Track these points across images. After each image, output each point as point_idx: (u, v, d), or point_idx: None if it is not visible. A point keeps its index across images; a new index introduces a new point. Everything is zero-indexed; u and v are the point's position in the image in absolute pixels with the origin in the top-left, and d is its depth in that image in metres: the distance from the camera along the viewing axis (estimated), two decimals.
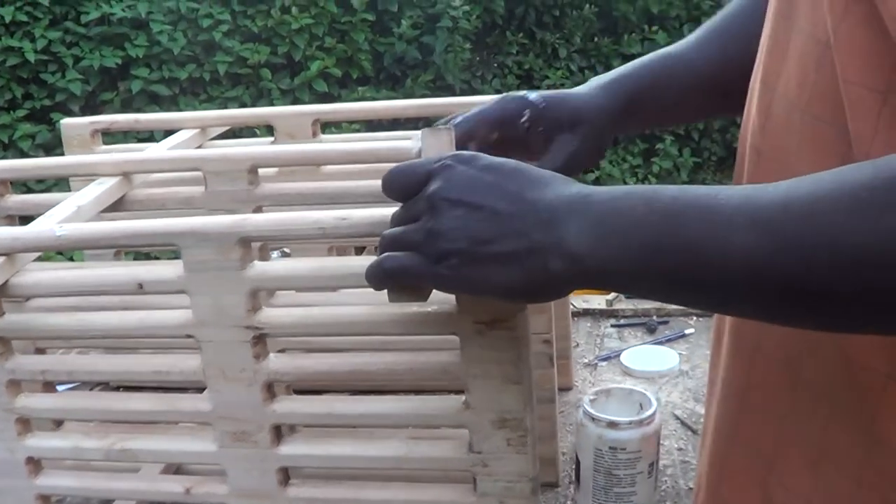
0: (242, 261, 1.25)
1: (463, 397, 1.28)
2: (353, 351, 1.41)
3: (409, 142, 1.64)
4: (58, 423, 1.55)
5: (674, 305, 2.32)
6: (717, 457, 1.26)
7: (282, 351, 1.37)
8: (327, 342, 1.54)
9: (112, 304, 1.52)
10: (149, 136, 4.87)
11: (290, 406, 1.35)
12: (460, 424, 1.29)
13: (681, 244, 0.89)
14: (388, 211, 1.17)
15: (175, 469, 1.62)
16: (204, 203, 1.69)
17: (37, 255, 1.46)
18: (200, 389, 1.63)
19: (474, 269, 1.00)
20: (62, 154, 1.96)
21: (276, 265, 1.29)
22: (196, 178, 1.71)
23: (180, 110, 6.05)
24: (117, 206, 1.71)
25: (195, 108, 6.08)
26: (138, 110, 5.87)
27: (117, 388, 1.82)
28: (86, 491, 1.53)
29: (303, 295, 1.69)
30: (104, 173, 1.71)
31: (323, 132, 1.96)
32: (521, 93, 1.42)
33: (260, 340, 1.31)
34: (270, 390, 1.35)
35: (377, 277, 1.09)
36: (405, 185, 1.09)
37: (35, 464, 1.50)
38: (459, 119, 1.40)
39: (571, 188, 0.99)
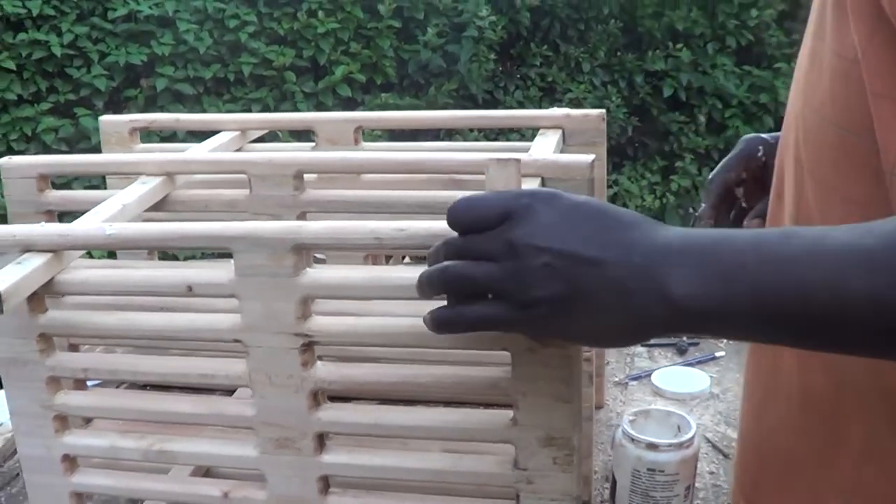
0: (295, 267, 1.25)
1: (510, 413, 1.27)
2: (395, 362, 1.41)
3: (459, 154, 1.63)
4: (87, 421, 1.54)
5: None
6: (760, 464, 1.27)
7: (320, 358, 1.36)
8: (362, 351, 1.54)
9: (144, 305, 1.51)
10: (171, 135, 4.87)
11: (336, 414, 1.35)
12: (506, 440, 1.28)
13: (795, 289, 0.89)
14: (445, 224, 1.17)
15: (204, 472, 1.62)
16: (248, 206, 1.68)
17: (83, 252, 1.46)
18: (230, 392, 1.63)
19: (565, 318, 0.99)
20: (84, 150, 1.96)
21: (330, 273, 1.28)
22: (239, 180, 1.71)
23: (203, 110, 6.06)
24: (160, 206, 1.71)
25: (218, 109, 6.09)
26: (161, 108, 5.88)
27: (143, 387, 1.81)
28: (121, 490, 1.52)
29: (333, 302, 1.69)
30: (148, 172, 1.70)
31: None
32: (757, 134, 1.54)
33: (308, 348, 1.30)
34: (316, 398, 1.34)
35: (453, 325, 1.08)
36: (476, 219, 1.06)
37: (71, 461, 1.50)
38: (719, 168, 1.53)
39: (660, 231, 0.98)
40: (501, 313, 1.02)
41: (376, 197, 1.66)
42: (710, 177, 1.55)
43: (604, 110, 1.77)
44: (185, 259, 4.54)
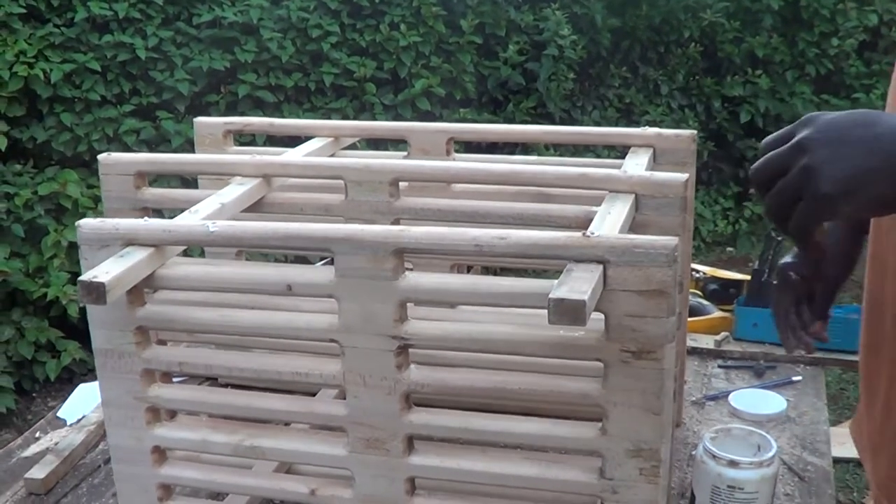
0: (395, 271, 1.27)
1: (598, 423, 1.29)
2: (483, 369, 1.42)
3: (553, 168, 1.65)
4: (171, 415, 1.56)
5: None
6: None
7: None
8: (447, 357, 1.55)
9: (224, 302, 1.53)
10: (250, 140, 4.91)
11: (426, 418, 1.37)
12: (595, 450, 1.30)
13: None
14: (545, 234, 1.19)
15: (286, 469, 1.64)
16: (343, 211, 1.71)
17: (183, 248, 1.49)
18: (313, 393, 1.65)
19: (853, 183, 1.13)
20: (165, 152, 1.99)
21: (429, 278, 1.30)
22: (334, 185, 1.73)
23: (283, 118, 6.08)
24: (256, 208, 1.73)
25: (298, 117, 6.10)
26: (242, 114, 5.91)
27: (226, 385, 1.83)
28: (209, 484, 1.55)
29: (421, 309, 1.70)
30: (244, 174, 1.73)
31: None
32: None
33: (403, 350, 1.32)
34: (408, 400, 1.36)
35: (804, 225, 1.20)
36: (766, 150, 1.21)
37: (160, 453, 1.53)
38: None
39: None
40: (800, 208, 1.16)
41: (469, 207, 1.67)
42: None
43: (695, 131, 1.78)
44: (276, 262, 4.56)
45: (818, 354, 2.31)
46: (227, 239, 1.37)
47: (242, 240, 1.37)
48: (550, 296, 1.10)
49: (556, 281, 1.16)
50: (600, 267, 1.19)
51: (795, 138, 1.16)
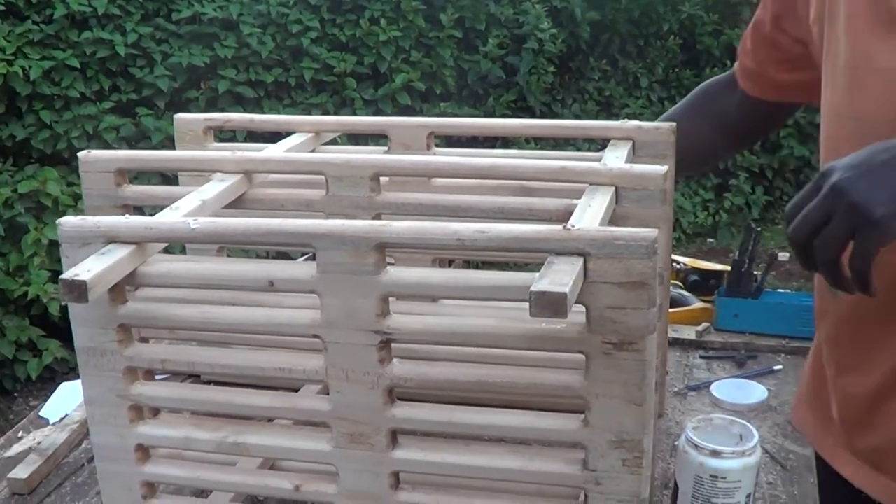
0: (377, 266, 1.27)
1: (581, 415, 1.29)
2: (466, 362, 1.43)
3: (534, 161, 1.65)
4: (154, 413, 1.56)
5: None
6: None
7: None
8: (429, 352, 1.55)
9: (206, 299, 1.53)
10: (231, 136, 4.89)
11: (410, 412, 1.37)
12: (577, 442, 1.30)
13: None
14: (526, 227, 1.19)
15: (270, 465, 1.64)
16: (323, 207, 1.71)
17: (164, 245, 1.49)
18: (295, 389, 1.65)
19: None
20: (145, 149, 1.99)
21: (410, 272, 1.30)
22: (315, 181, 1.73)
23: (263, 113, 6.08)
24: (236, 204, 1.73)
25: (278, 113, 6.11)
26: (222, 110, 5.88)
27: (209, 382, 1.82)
28: (193, 481, 1.55)
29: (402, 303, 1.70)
30: (226, 170, 1.73)
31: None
32: None
33: (386, 345, 1.33)
34: (391, 395, 1.37)
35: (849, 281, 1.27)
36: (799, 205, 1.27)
37: (143, 451, 1.53)
38: None
39: None
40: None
41: (450, 201, 1.67)
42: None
43: (674, 123, 1.78)
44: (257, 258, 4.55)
45: (798, 344, 2.33)
46: (209, 235, 1.37)
47: (224, 236, 1.37)
48: (532, 289, 1.10)
49: (537, 274, 1.16)
50: (581, 259, 1.19)
51: (826, 186, 1.21)
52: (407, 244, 1.27)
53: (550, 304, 1.10)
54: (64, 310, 4.98)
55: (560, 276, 1.13)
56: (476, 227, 1.24)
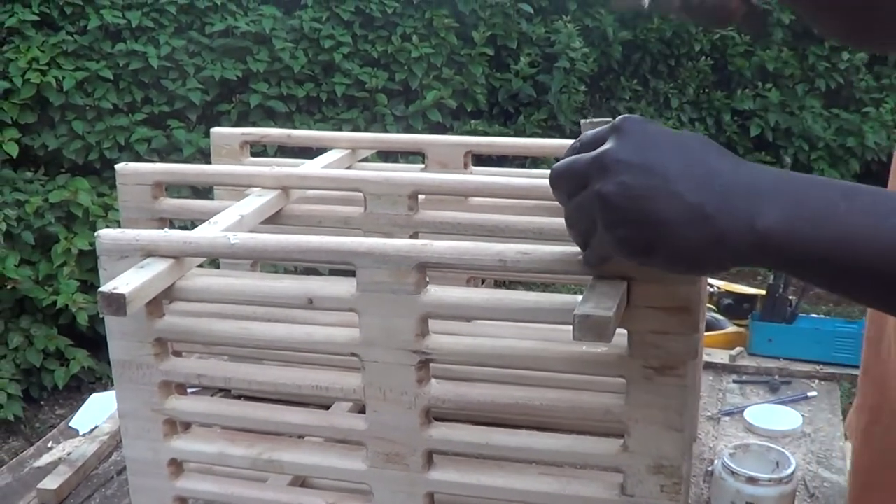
0: (417, 285, 1.27)
1: (620, 440, 1.28)
2: (501, 383, 1.42)
3: None
4: (185, 427, 1.55)
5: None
6: None
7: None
8: (467, 372, 1.54)
9: (238, 314, 1.53)
10: (261, 150, 4.89)
11: (447, 433, 1.36)
12: (616, 466, 1.29)
13: (885, 246, 0.93)
14: (569, 249, 1.18)
15: (301, 482, 1.63)
16: (361, 224, 1.71)
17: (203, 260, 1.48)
18: (325, 406, 1.64)
19: (645, 237, 0.99)
20: (176, 162, 1.98)
21: (451, 293, 1.30)
22: (351, 197, 1.73)
23: (295, 128, 6.09)
24: (274, 219, 1.73)
25: (309, 127, 6.11)
26: (253, 124, 5.91)
27: (239, 397, 1.82)
28: (226, 497, 1.54)
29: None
30: (264, 185, 1.73)
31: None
32: None
33: (424, 365, 1.32)
34: (428, 415, 1.36)
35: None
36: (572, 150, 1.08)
37: (177, 466, 1.52)
38: None
39: (748, 166, 1.01)
40: (597, 235, 1.04)
41: (488, 220, 1.67)
42: None
43: None
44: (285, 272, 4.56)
45: (833, 370, 2.31)
46: (249, 251, 1.37)
47: (265, 252, 1.36)
48: (576, 312, 1.09)
49: (579, 297, 1.15)
50: (624, 283, 1.18)
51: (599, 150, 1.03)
52: (449, 264, 1.26)
53: (594, 328, 1.08)
54: (92, 320, 5.03)
55: (604, 300, 1.12)
56: (519, 248, 1.23)
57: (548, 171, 1.10)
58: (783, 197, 0.96)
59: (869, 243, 0.93)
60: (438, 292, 1.29)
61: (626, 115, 1.06)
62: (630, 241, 1.00)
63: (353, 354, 1.34)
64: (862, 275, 0.95)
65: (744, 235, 0.95)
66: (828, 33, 1.29)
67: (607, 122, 1.08)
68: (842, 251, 0.94)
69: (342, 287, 1.32)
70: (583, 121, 1.21)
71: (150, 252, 1.38)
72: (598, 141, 1.05)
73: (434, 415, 1.38)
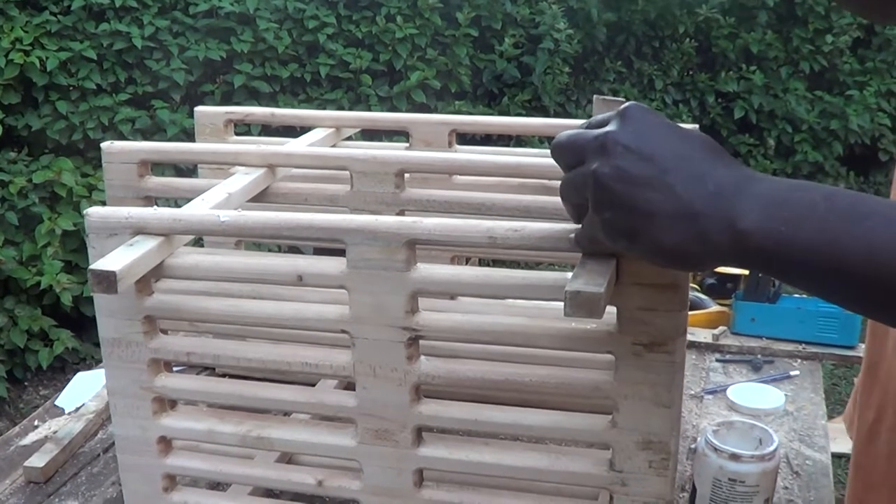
0: (407, 262, 1.27)
1: (608, 416, 1.29)
2: (490, 360, 1.42)
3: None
4: (171, 405, 1.55)
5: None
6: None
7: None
8: (455, 349, 1.54)
9: (225, 291, 1.53)
10: (245, 130, 4.90)
11: (436, 409, 1.37)
12: (604, 442, 1.30)
13: (862, 248, 0.93)
14: (558, 226, 1.19)
15: (287, 459, 1.64)
16: (348, 202, 1.71)
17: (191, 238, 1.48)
18: (311, 383, 1.63)
19: (632, 224, 1.02)
20: (160, 141, 1.98)
21: (441, 269, 1.30)
22: (337, 176, 1.73)
23: (278, 108, 6.07)
24: (260, 197, 1.73)
25: (294, 107, 6.09)
26: (237, 104, 5.89)
27: (223, 375, 1.82)
28: (215, 474, 1.55)
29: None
30: (250, 164, 1.73)
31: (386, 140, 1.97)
32: None
33: (414, 342, 1.33)
34: (418, 392, 1.36)
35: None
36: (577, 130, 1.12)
37: (166, 443, 1.52)
38: None
39: (740, 169, 1.03)
40: (588, 214, 1.08)
41: (475, 199, 1.68)
42: None
43: (696, 125, 1.78)
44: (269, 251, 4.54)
45: (815, 349, 2.33)
46: (239, 229, 1.37)
47: (254, 230, 1.36)
48: (567, 288, 1.09)
49: (568, 274, 1.16)
50: (613, 260, 1.19)
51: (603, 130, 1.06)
52: (438, 241, 1.27)
53: (585, 304, 1.09)
54: (76, 300, 5.02)
55: (594, 276, 1.12)
56: (509, 225, 1.24)
57: (533, 150, 1.12)
58: (765, 199, 0.98)
59: (845, 245, 0.94)
60: (428, 269, 1.29)
61: (635, 102, 1.09)
62: (615, 224, 1.03)
63: (343, 331, 1.34)
64: (839, 276, 0.96)
65: (724, 235, 0.98)
66: (849, 6, 1.30)
67: (620, 103, 1.10)
68: (818, 253, 0.95)
69: (332, 264, 1.33)
70: (596, 96, 1.23)
71: (139, 230, 1.38)
72: (605, 122, 1.08)
73: (424, 391, 1.39)
